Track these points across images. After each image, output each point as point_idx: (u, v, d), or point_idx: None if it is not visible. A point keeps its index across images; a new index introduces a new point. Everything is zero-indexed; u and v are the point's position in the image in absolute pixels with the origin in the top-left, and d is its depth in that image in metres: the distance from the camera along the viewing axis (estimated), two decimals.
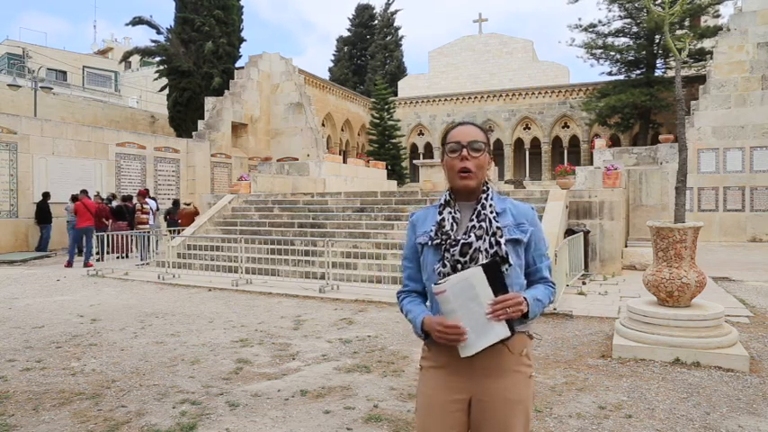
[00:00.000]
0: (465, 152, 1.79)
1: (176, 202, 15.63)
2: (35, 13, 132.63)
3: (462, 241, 1.75)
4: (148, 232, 12.69)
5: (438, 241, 1.78)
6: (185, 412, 3.79)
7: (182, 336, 6.02)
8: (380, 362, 4.97)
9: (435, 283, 1.68)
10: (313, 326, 6.48)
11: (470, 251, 1.74)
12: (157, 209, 14.69)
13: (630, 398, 3.99)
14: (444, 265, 1.75)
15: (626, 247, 11.51)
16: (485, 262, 1.69)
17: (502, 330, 1.67)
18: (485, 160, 1.82)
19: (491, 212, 1.80)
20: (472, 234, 1.76)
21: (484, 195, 1.83)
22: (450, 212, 1.82)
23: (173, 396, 4.12)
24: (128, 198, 14.47)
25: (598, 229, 10.37)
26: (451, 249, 1.75)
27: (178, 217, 14.87)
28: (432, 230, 1.82)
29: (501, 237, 1.76)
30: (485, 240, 1.75)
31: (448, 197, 1.86)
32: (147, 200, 14.11)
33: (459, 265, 1.73)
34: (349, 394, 4.14)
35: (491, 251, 1.74)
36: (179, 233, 13.00)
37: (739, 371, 4.51)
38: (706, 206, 17.34)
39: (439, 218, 1.82)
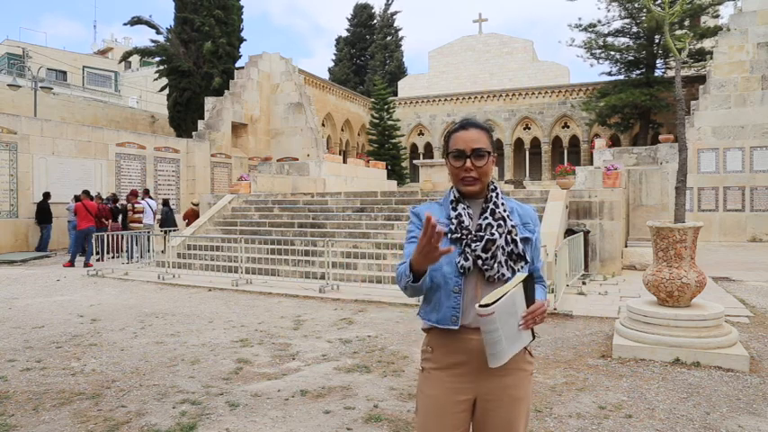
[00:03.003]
0: (469, 162, 1.80)
1: (166, 202, 15.59)
2: (46, 16, 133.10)
3: (487, 237, 1.77)
4: (140, 232, 12.64)
5: (458, 235, 1.79)
6: (185, 412, 3.79)
7: (182, 336, 6.02)
8: (380, 362, 4.97)
9: (480, 305, 1.60)
10: (313, 326, 6.48)
11: (493, 248, 1.76)
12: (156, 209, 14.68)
13: (630, 398, 3.99)
14: (467, 259, 1.76)
15: (626, 247, 11.50)
16: (523, 276, 1.68)
17: (527, 337, 1.72)
18: (489, 166, 1.83)
19: (504, 211, 1.82)
20: (496, 232, 1.78)
21: (494, 194, 1.85)
22: (465, 208, 1.83)
23: (173, 396, 4.12)
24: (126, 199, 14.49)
25: (598, 229, 10.37)
26: (473, 245, 1.76)
27: (184, 216, 14.85)
28: (450, 224, 1.81)
29: (516, 235, 1.80)
30: (502, 237, 1.78)
31: (457, 194, 1.86)
32: (147, 200, 14.11)
33: (480, 261, 1.75)
34: (349, 394, 4.14)
35: (507, 249, 1.78)
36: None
37: (739, 371, 4.51)
38: (706, 206, 17.34)
39: (454, 213, 1.82)
